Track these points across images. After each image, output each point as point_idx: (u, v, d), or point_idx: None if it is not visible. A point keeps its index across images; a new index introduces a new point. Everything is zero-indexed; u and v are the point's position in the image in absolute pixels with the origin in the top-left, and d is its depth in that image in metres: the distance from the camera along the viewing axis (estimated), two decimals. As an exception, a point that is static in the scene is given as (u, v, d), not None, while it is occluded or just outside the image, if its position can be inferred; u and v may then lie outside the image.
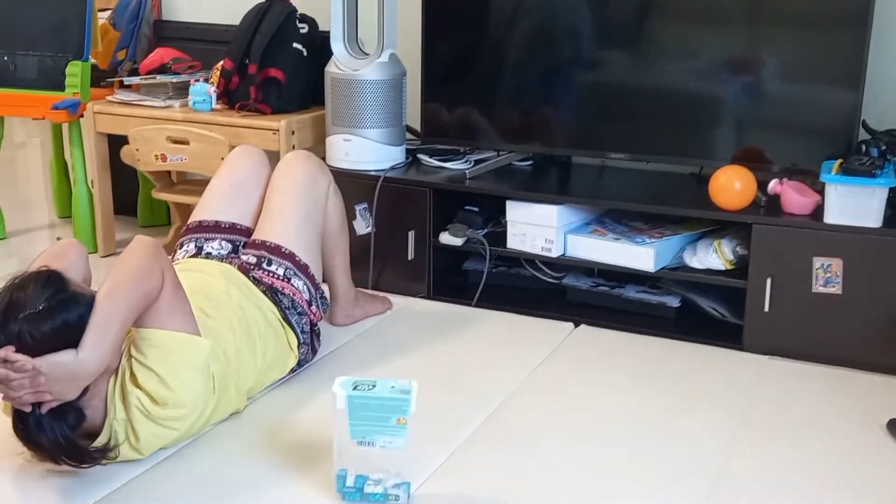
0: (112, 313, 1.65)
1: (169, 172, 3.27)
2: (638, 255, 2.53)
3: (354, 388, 1.67)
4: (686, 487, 1.79)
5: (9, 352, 1.58)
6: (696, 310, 2.65)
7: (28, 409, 1.62)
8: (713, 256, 2.49)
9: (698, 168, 2.76)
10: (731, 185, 2.42)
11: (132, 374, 1.73)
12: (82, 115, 3.19)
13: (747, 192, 2.42)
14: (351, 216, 2.75)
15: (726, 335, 2.49)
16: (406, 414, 1.66)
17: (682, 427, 2.02)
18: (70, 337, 1.61)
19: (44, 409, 1.63)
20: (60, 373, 1.60)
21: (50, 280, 1.65)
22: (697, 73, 2.60)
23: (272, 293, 2.15)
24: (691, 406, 2.12)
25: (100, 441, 1.71)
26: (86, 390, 1.67)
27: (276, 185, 2.32)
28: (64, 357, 1.60)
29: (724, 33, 2.58)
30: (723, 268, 2.48)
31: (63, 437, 1.65)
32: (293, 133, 2.91)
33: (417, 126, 3.01)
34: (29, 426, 1.64)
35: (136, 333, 1.75)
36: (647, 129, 2.68)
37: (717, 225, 2.60)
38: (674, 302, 2.64)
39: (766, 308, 2.39)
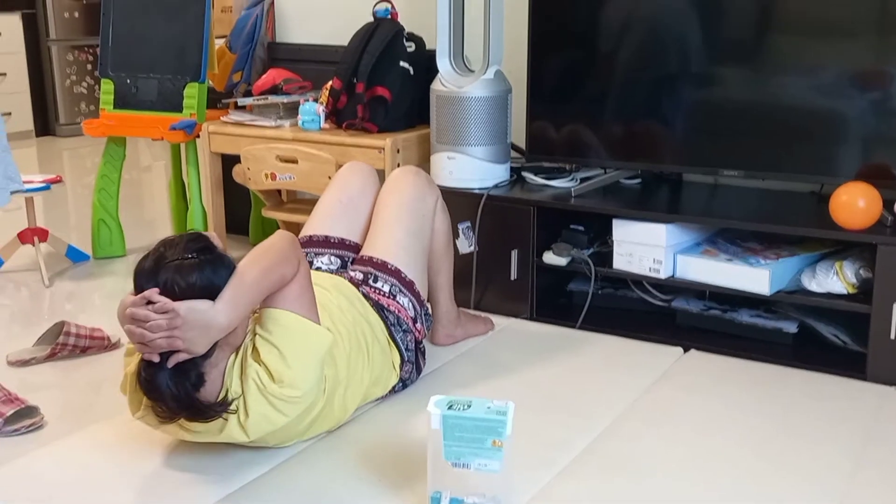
0: (250, 279, 1.73)
1: (279, 191, 3.33)
2: (752, 276, 2.41)
3: (449, 408, 1.63)
4: (801, 524, 1.68)
5: (154, 293, 1.65)
6: (815, 336, 2.50)
7: (156, 360, 1.68)
8: (834, 279, 2.35)
9: (818, 186, 2.62)
10: (855, 203, 2.28)
11: (254, 350, 1.78)
12: (198, 136, 3.29)
13: (872, 210, 2.28)
14: (454, 235, 2.73)
15: (848, 364, 2.34)
16: (502, 436, 1.61)
17: (796, 461, 1.90)
18: (209, 294, 1.68)
19: (171, 363, 1.68)
20: (196, 319, 1.66)
21: (200, 239, 1.74)
22: (817, 87, 2.48)
23: (378, 309, 2.14)
24: (807, 439, 1.99)
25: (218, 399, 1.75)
26: (211, 352, 1.71)
27: (384, 201, 2.32)
28: (201, 304, 1.67)
29: (845, 46, 2.44)
30: (845, 291, 2.34)
31: (184, 391, 1.70)
32: (398, 151, 2.92)
33: (522, 144, 2.97)
34: (154, 377, 1.69)
35: (264, 313, 1.81)
36: (762, 146, 2.56)
37: (839, 246, 2.46)
38: (791, 327, 2.50)
39: (893, 335, 2.23)
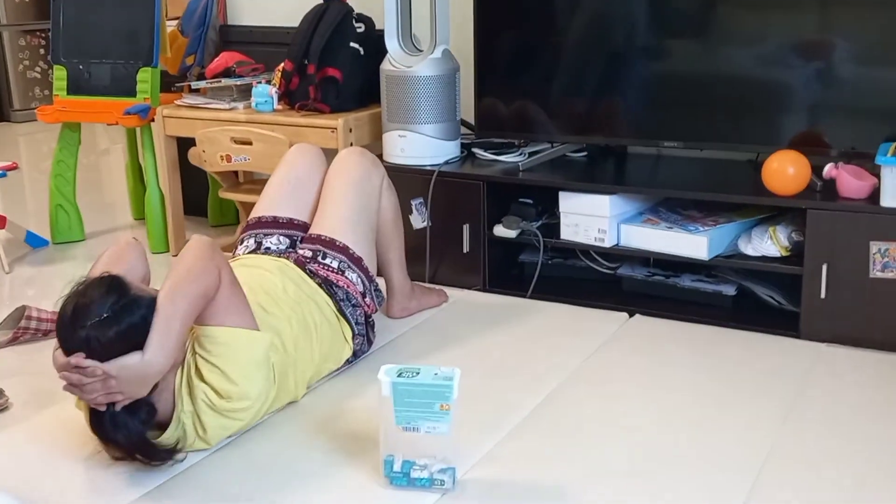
0: (173, 313, 1.72)
1: (235, 173, 3.38)
2: (691, 243, 2.52)
3: (399, 376, 1.72)
4: (734, 475, 1.79)
5: (79, 358, 1.66)
6: (753, 298, 2.62)
7: (102, 409, 1.71)
8: (768, 243, 2.46)
9: (755, 154, 2.72)
10: (784, 170, 2.39)
11: (197, 369, 1.81)
12: (153, 120, 3.33)
13: (801, 176, 2.39)
14: (407, 211, 2.80)
15: (783, 323, 2.46)
16: (449, 400, 1.70)
17: (734, 416, 2.01)
18: (135, 338, 1.69)
19: (118, 407, 1.71)
20: (129, 374, 1.68)
21: (112, 286, 1.72)
22: (752, 58, 2.58)
23: (327, 286, 2.21)
24: (745, 394, 2.10)
25: (168, 434, 1.80)
26: (155, 386, 1.75)
27: (331, 181, 2.38)
28: (131, 360, 1.68)
29: (779, 17, 2.54)
30: (778, 254, 2.45)
31: (136, 433, 1.73)
32: (350, 131, 2.98)
33: (472, 120, 3.05)
34: (104, 424, 1.73)
35: (199, 331, 1.83)
36: (702, 117, 2.66)
37: (773, 211, 2.57)
38: (730, 290, 2.62)
39: (823, 295, 2.35)
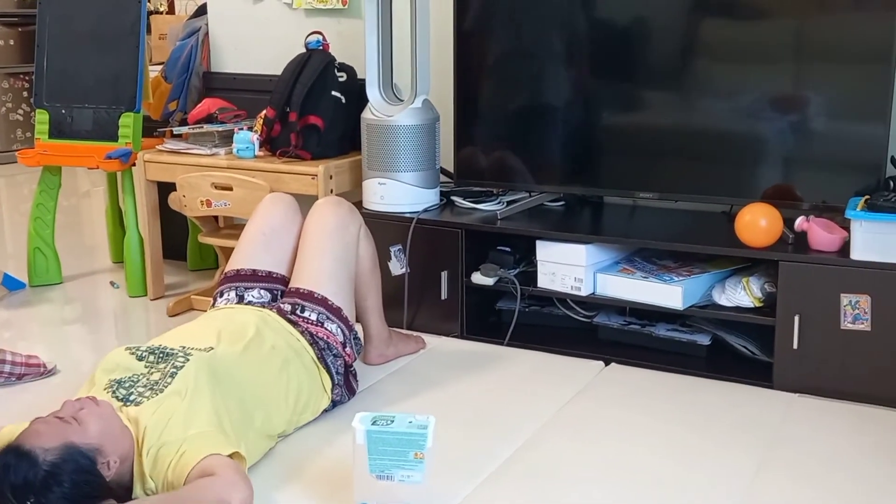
0: None
1: (216, 218, 3.39)
2: (666, 292, 2.55)
3: (373, 423, 1.72)
4: (705, 523, 1.80)
5: None
6: (727, 348, 2.65)
7: None
8: (742, 294, 2.49)
9: (728, 207, 2.77)
10: (757, 223, 2.43)
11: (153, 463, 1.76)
12: (134, 164, 3.34)
13: (773, 229, 2.43)
14: (385, 257, 2.82)
15: (757, 373, 2.49)
16: (423, 449, 1.71)
17: (708, 465, 2.03)
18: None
19: None
20: None
21: (18, 471, 1.61)
22: (725, 111, 2.64)
23: (308, 336, 2.22)
24: (719, 444, 2.12)
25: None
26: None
27: (308, 232, 2.40)
28: None
29: (751, 72, 2.61)
30: (752, 305, 2.49)
31: None
32: (331, 177, 3.01)
33: (451, 168, 3.08)
34: None
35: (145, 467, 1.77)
36: (677, 169, 2.71)
37: (746, 262, 2.61)
38: (704, 340, 2.65)
39: (795, 345, 2.39)
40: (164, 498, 1.70)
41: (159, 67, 3.74)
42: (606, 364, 2.59)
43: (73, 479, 1.63)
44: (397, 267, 2.88)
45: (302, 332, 2.22)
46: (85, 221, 4.92)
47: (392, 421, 1.73)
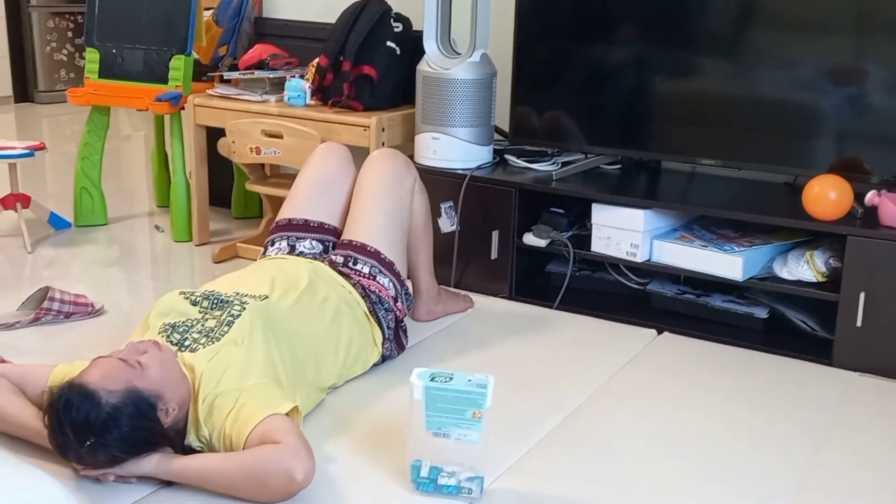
0: (205, 480, 1.66)
1: (263, 165, 3.36)
2: (726, 263, 2.48)
3: (432, 380, 1.69)
4: (764, 501, 1.75)
5: (87, 471, 1.65)
6: (785, 322, 2.58)
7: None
8: (805, 268, 2.42)
9: (792, 177, 2.69)
10: (826, 195, 2.35)
11: (207, 417, 1.74)
12: (183, 108, 3.30)
13: (843, 202, 2.35)
14: (436, 214, 2.77)
15: (815, 349, 2.42)
16: (482, 408, 1.67)
17: (762, 441, 1.97)
18: (124, 447, 1.63)
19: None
20: (144, 472, 1.67)
21: (80, 408, 1.60)
22: (795, 81, 2.54)
23: (360, 289, 2.19)
24: (773, 420, 2.07)
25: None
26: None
27: (363, 184, 2.35)
28: (146, 465, 1.66)
29: (824, 42, 2.51)
30: (814, 280, 2.42)
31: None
32: (383, 130, 2.95)
33: (506, 127, 3.02)
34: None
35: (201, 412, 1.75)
36: (740, 136, 2.63)
37: (810, 236, 2.53)
38: (761, 313, 2.58)
39: (859, 323, 2.31)
40: (226, 458, 1.68)
41: (209, 12, 3.68)
42: (659, 333, 2.54)
43: (133, 423, 1.61)
44: (447, 224, 2.83)
45: (354, 285, 2.19)
46: (125, 165, 4.91)
47: (451, 378, 1.69)
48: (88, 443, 1.59)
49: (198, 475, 1.66)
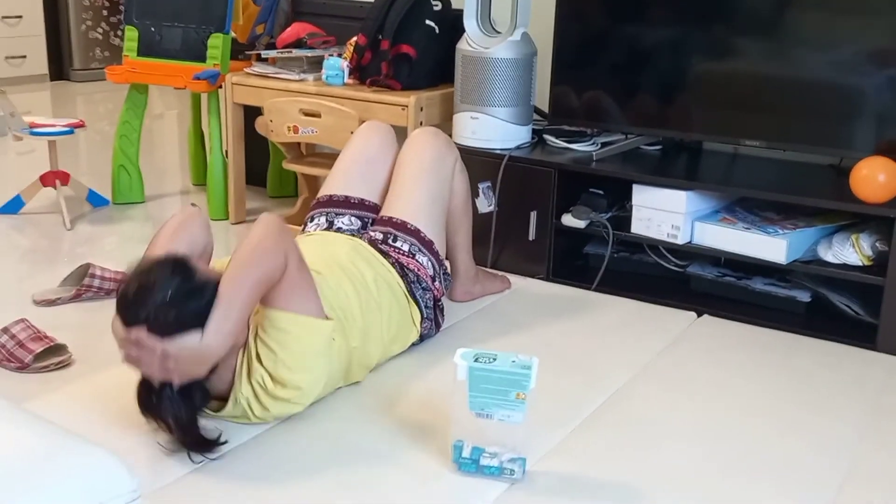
0: (234, 297, 1.69)
1: (299, 144, 3.36)
2: (770, 245, 2.45)
3: (475, 360, 1.68)
4: (808, 489, 1.73)
5: (140, 334, 1.64)
6: (828, 306, 2.55)
7: (156, 384, 1.68)
8: (850, 251, 2.39)
9: (838, 159, 2.65)
10: (875, 177, 2.31)
11: (258, 353, 1.79)
12: (221, 86, 3.31)
13: (892, 185, 2.31)
14: (474, 194, 2.76)
15: (859, 334, 2.39)
16: (526, 389, 1.66)
17: (806, 426, 1.95)
18: (196, 323, 1.66)
19: (175, 387, 1.68)
20: (186, 355, 1.65)
21: (178, 268, 1.68)
22: (839, 62, 2.50)
23: (398, 268, 2.18)
24: (817, 405, 2.04)
25: (228, 409, 1.78)
26: (214, 368, 1.72)
27: (404, 162, 2.34)
28: (190, 341, 1.65)
29: (869, 23, 2.46)
30: (860, 263, 2.38)
31: (186, 417, 1.70)
32: (421, 109, 2.94)
33: (545, 107, 2.99)
34: (154, 400, 1.70)
35: (263, 312, 1.80)
36: (784, 118, 2.59)
37: (856, 219, 2.50)
38: (804, 296, 2.55)
39: (905, 308, 2.28)
40: (232, 265, 1.73)
41: (246, -11, 3.69)
42: (699, 316, 2.51)
43: (191, 308, 1.65)
44: (485, 204, 2.82)
45: (392, 264, 2.18)
46: (157, 143, 4.94)
47: (494, 359, 1.68)
48: (171, 292, 1.62)
49: (228, 300, 1.67)
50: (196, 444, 1.73)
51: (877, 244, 2.38)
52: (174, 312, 1.64)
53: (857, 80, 2.49)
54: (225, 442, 1.76)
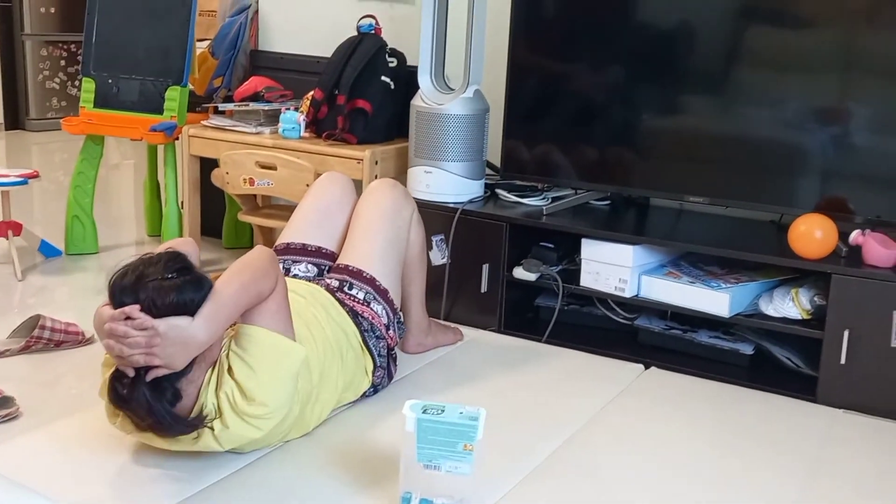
0: (229, 295, 1.76)
1: (255, 196, 3.39)
2: (713, 299, 2.52)
3: (424, 412, 1.70)
4: (751, 535, 1.77)
5: (134, 309, 1.68)
6: (770, 358, 2.62)
7: (131, 374, 1.70)
8: (790, 305, 2.46)
9: (778, 215, 2.74)
10: (812, 234, 2.40)
11: (230, 367, 1.81)
12: (178, 138, 3.33)
13: (828, 241, 2.40)
14: (427, 246, 2.80)
15: (800, 386, 2.45)
16: (473, 440, 1.69)
17: (748, 477, 1.99)
18: (189, 311, 1.71)
19: (149, 377, 1.70)
20: (175, 336, 1.68)
21: (179, 259, 1.77)
22: (782, 120, 2.60)
23: (353, 315, 2.21)
24: (759, 456, 2.09)
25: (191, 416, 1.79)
26: (188, 368, 1.74)
27: (362, 212, 2.38)
28: (181, 321, 1.69)
29: (811, 82, 2.57)
30: (799, 317, 2.45)
31: (158, 406, 1.72)
32: (377, 163, 2.99)
33: (497, 161, 3.06)
34: (128, 390, 1.72)
35: (240, 329, 1.84)
36: (727, 174, 2.68)
37: (796, 273, 2.58)
38: (747, 349, 2.61)
39: (843, 360, 2.35)
40: (228, 273, 1.80)
41: (204, 43, 3.73)
42: (646, 368, 2.56)
43: (188, 296, 1.71)
44: (438, 257, 2.86)
45: (347, 311, 2.20)
46: (113, 193, 4.93)
47: (443, 410, 1.71)
48: (171, 275, 1.69)
49: (221, 297, 1.74)
50: (170, 427, 1.75)
51: (815, 298, 2.45)
52: (172, 296, 1.69)
53: (796, 138, 2.59)
54: (205, 417, 1.78)
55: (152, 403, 1.71)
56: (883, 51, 2.47)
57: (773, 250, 2.52)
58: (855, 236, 2.41)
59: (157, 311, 1.68)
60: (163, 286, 1.70)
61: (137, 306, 1.68)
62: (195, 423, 1.77)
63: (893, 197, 2.46)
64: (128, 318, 1.68)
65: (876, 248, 2.36)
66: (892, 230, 2.42)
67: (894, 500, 1.92)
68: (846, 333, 2.34)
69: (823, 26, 2.55)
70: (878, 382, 2.33)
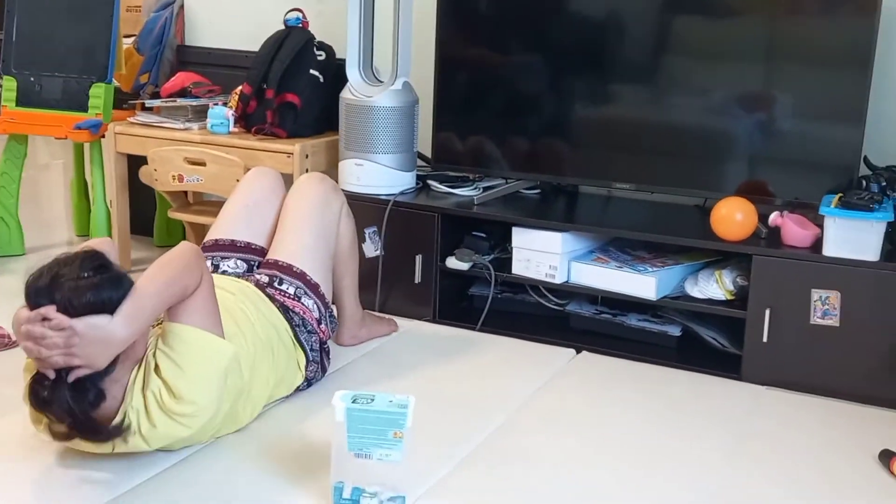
0: (150, 292, 1.74)
1: (185, 193, 3.35)
2: (640, 283, 2.57)
3: (353, 402, 1.71)
4: (677, 510, 1.82)
5: (49, 309, 1.65)
6: (697, 339, 2.68)
7: (51, 376, 1.67)
8: (714, 286, 2.52)
9: (702, 200, 2.80)
10: (733, 216, 2.46)
11: (156, 366, 1.80)
12: (104, 136, 3.28)
13: (748, 223, 2.46)
14: (360, 239, 2.80)
15: (725, 365, 2.52)
16: (402, 428, 1.70)
17: (676, 454, 2.05)
18: (107, 310, 1.68)
19: (71, 377, 1.67)
20: (94, 335, 1.66)
21: (96, 257, 1.74)
22: (704, 107, 2.66)
23: (283, 311, 2.20)
24: (687, 434, 2.15)
25: (115, 422, 1.77)
26: (111, 367, 1.72)
27: (290, 206, 2.38)
28: (100, 320, 1.66)
29: (731, 70, 2.63)
30: (723, 298, 2.52)
31: (81, 409, 1.69)
32: (307, 157, 2.98)
33: (428, 153, 3.08)
34: (49, 392, 1.68)
35: (167, 327, 1.83)
36: (653, 161, 2.73)
37: (719, 256, 2.64)
38: (675, 331, 2.67)
39: (765, 339, 2.42)
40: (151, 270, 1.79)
41: (130, 40, 3.67)
42: (578, 352, 2.61)
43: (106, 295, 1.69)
44: (371, 249, 2.87)
45: (278, 307, 2.20)
46: (43, 194, 4.82)
47: (372, 400, 1.72)
48: (87, 274, 1.67)
49: (142, 293, 1.72)
50: (92, 432, 1.74)
51: (738, 279, 2.52)
52: (88, 295, 1.67)
53: (719, 125, 2.65)
54: (128, 426, 1.75)
55: (73, 405, 1.68)
56: (803, 39, 2.55)
57: (697, 234, 2.58)
58: (774, 218, 2.48)
59: (74, 311, 1.66)
60: (79, 285, 1.67)
61: (53, 307, 1.65)
62: (114, 433, 1.75)
63: (811, 179, 2.54)
64: (44, 319, 1.64)
65: (794, 229, 2.43)
66: (809, 211, 2.49)
67: (813, 471, 1.99)
68: (767, 312, 2.41)
69: (746, 15, 2.62)
70: (797, 359, 2.41)
